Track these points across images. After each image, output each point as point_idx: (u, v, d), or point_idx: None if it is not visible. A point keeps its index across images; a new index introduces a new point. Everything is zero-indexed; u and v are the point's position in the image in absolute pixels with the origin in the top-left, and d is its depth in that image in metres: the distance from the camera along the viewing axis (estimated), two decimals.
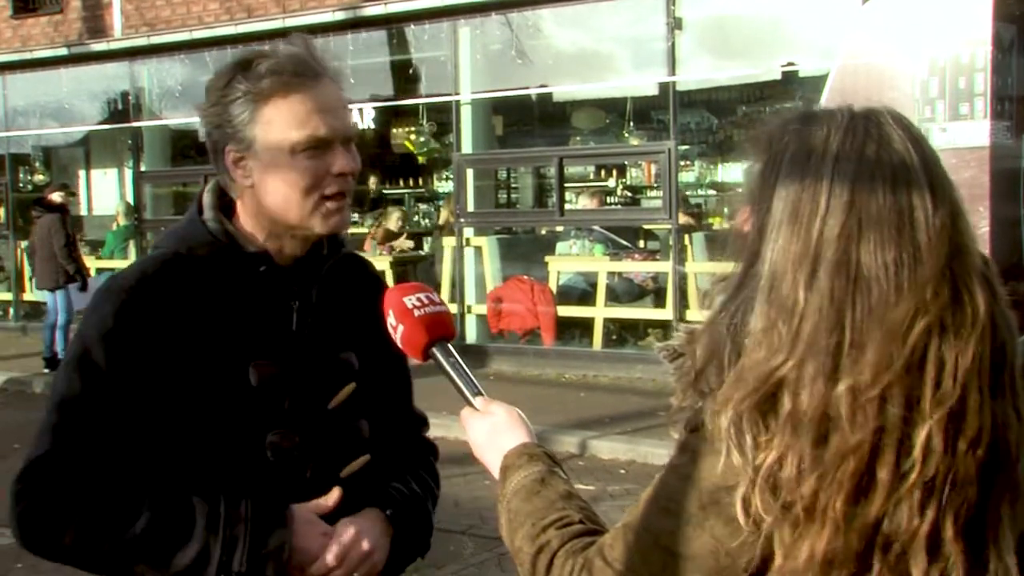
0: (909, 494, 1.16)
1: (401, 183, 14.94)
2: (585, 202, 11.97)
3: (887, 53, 8.09)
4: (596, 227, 11.36)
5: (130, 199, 14.26)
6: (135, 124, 13.62)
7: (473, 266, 11.30)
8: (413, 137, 13.76)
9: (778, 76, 10.39)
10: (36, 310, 13.62)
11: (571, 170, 12.68)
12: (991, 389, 1.19)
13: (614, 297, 10.86)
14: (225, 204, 1.80)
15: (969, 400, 1.17)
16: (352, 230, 13.00)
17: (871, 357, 1.15)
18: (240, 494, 1.68)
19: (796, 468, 1.16)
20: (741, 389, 1.19)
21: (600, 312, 10.70)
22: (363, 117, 12.27)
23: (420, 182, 15.00)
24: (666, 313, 10.16)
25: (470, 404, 1.59)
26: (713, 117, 13.14)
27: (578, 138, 13.03)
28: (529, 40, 10.91)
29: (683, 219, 10.22)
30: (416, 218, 14.51)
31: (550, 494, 1.43)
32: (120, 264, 12.96)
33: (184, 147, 13.74)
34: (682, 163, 12.20)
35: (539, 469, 1.47)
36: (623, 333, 10.96)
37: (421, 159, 14.12)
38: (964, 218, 1.22)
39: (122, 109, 13.87)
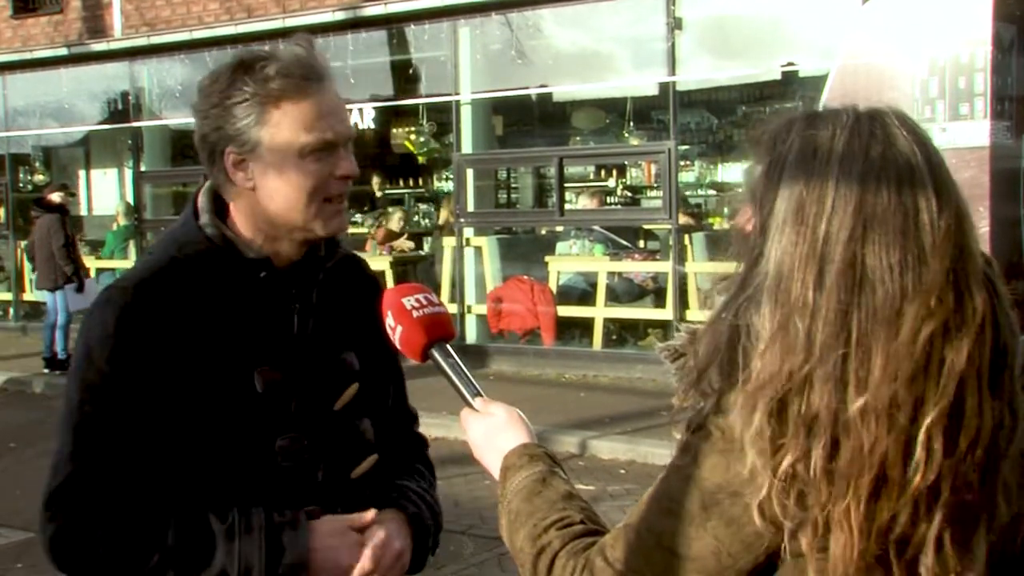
0: (915, 497, 1.16)
1: (401, 183, 14.94)
2: (585, 202, 11.97)
3: (887, 53, 8.09)
4: (596, 227, 11.36)
5: (130, 199, 14.26)
6: (135, 124, 13.63)
7: (473, 266, 11.30)
8: (413, 137, 13.76)
9: (778, 76, 10.39)
10: (36, 310, 13.62)
11: (571, 170, 12.68)
12: (991, 390, 1.18)
13: (614, 297, 10.86)
14: (219, 207, 1.79)
15: (968, 401, 1.17)
16: (352, 230, 13.01)
17: (879, 364, 1.15)
18: (255, 505, 1.69)
19: (812, 472, 1.16)
20: (761, 392, 1.18)
21: (600, 312, 10.70)
22: (363, 117, 12.27)
23: (420, 182, 15.00)
24: (666, 313, 10.15)
25: (469, 405, 1.59)
26: (713, 117, 13.13)
27: (578, 138, 13.03)
28: (529, 40, 10.91)
29: (683, 219, 10.22)
30: (416, 218, 14.50)
31: (551, 494, 1.43)
32: (120, 264, 12.97)
33: (184, 147, 13.72)
34: (682, 163, 12.20)
35: (540, 469, 1.46)
36: (623, 333, 10.96)
37: (421, 159, 14.12)
38: (969, 219, 1.22)
39: (122, 109, 13.88)
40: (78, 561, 1.67)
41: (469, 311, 11.21)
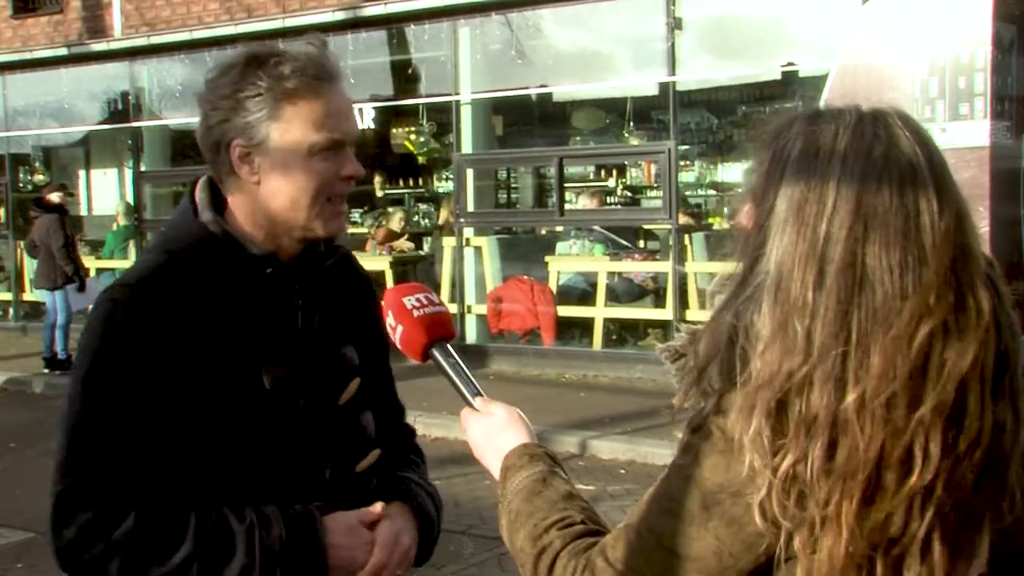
0: (909, 498, 1.16)
1: (401, 183, 14.94)
2: (585, 202, 11.97)
3: (887, 53, 8.09)
4: (596, 227, 11.36)
5: (130, 199, 14.26)
6: (135, 124, 13.62)
7: (473, 266, 11.29)
8: (413, 137, 13.76)
9: (778, 76, 10.40)
10: (36, 310, 13.62)
11: (571, 170, 12.68)
12: (993, 391, 1.18)
13: (614, 297, 10.86)
14: (215, 203, 1.78)
15: (969, 404, 1.16)
16: (352, 230, 13.01)
17: (877, 363, 1.15)
18: (266, 503, 1.68)
19: (810, 472, 1.16)
20: (760, 392, 1.18)
21: (600, 312, 10.70)
22: (363, 117, 12.27)
23: (420, 182, 15.00)
24: (666, 313, 10.15)
25: (469, 405, 1.59)
26: (713, 117, 13.13)
27: (578, 138, 13.03)
28: (529, 40, 10.91)
29: (683, 219, 10.22)
30: (416, 218, 14.50)
31: (551, 494, 1.42)
32: (120, 264, 12.97)
33: (184, 147, 13.72)
34: (682, 163, 12.20)
35: (540, 469, 1.46)
36: (623, 333, 10.96)
37: (421, 159, 14.12)
38: (970, 220, 1.22)
39: (122, 109, 13.88)
40: (94, 569, 1.62)
41: (469, 311, 11.21)
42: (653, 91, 11.03)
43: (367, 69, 11.74)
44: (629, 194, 13.89)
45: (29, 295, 14.05)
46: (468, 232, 11.35)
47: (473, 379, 1.61)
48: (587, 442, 7.76)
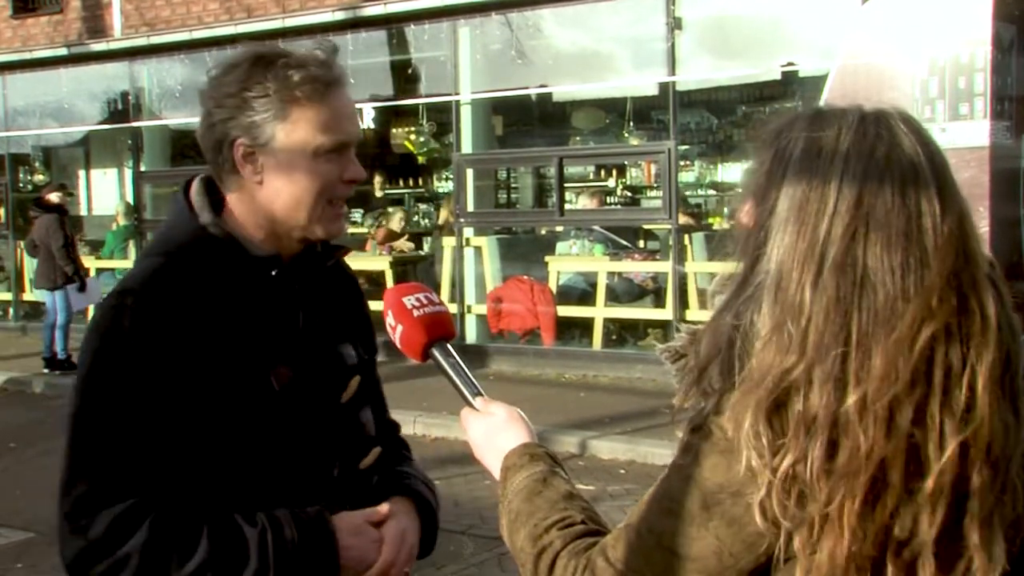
0: (922, 500, 1.16)
1: (401, 183, 14.94)
2: (585, 202, 11.97)
3: (887, 53, 8.09)
4: (596, 227, 11.36)
5: (130, 199, 14.26)
6: (135, 124, 13.62)
7: (473, 266, 11.29)
8: (413, 137, 13.76)
9: (778, 76, 10.40)
10: (36, 310, 13.62)
11: (571, 170, 12.67)
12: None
13: (614, 297, 10.86)
14: (212, 203, 1.77)
15: (982, 407, 1.16)
16: (352, 230, 13.01)
17: (878, 365, 1.15)
18: (276, 505, 1.68)
19: (810, 472, 1.16)
20: (756, 392, 1.18)
21: (600, 312, 10.70)
22: (363, 117, 12.27)
23: (420, 182, 15.00)
24: (666, 313, 10.16)
25: (470, 404, 1.58)
26: (713, 117, 13.13)
27: (578, 138, 13.03)
28: (529, 40, 10.91)
29: (683, 219, 10.22)
30: (416, 218, 14.51)
31: (552, 494, 1.42)
32: (120, 264, 12.97)
33: (184, 147, 13.73)
34: (682, 163, 12.20)
35: (540, 469, 1.46)
36: (623, 333, 10.96)
37: (421, 159, 14.12)
38: (971, 222, 1.22)
39: (122, 109, 13.87)
40: None
41: (469, 311, 11.21)
42: (653, 91, 11.03)
43: (367, 69, 11.74)
44: (629, 194, 13.89)
45: (29, 295, 14.05)
46: (468, 232, 11.35)
47: (473, 379, 1.61)
48: (587, 442, 7.76)
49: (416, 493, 1.90)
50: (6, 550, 5.98)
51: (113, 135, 14.72)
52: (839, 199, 1.19)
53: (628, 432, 7.88)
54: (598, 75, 11.28)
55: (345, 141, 1.72)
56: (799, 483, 1.17)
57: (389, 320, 1.64)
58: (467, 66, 11.19)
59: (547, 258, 11.26)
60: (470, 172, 11.25)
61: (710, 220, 11.73)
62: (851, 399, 1.15)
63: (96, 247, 14.23)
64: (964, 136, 7.82)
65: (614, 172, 13.81)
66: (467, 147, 11.34)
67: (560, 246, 11.53)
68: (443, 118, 12.48)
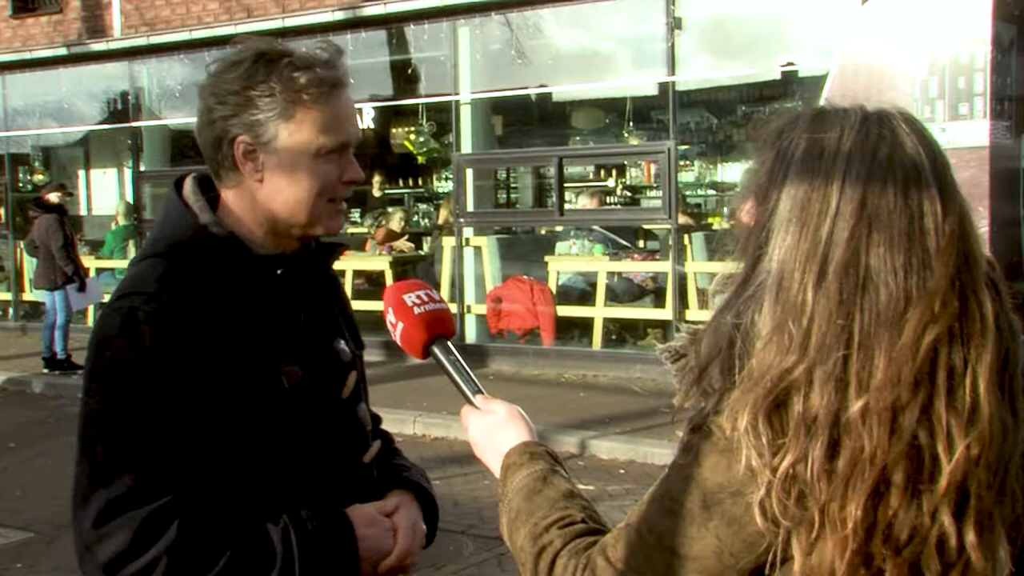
0: (928, 501, 1.16)
1: (401, 183, 14.94)
2: (585, 202, 11.96)
3: (887, 53, 8.10)
4: (596, 227, 11.36)
5: (130, 199, 14.27)
6: (135, 124, 13.62)
7: (473, 266, 11.29)
8: (413, 137, 13.76)
9: (778, 76, 10.40)
10: (36, 310, 13.62)
11: (571, 170, 12.68)
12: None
13: (614, 297, 10.86)
14: (209, 200, 1.76)
15: (985, 408, 1.17)
16: (352, 230, 13.02)
17: (881, 368, 1.15)
18: (290, 502, 1.69)
19: (811, 472, 1.16)
20: (754, 391, 1.18)
21: (600, 312, 10.70)
22: (363, 117, 12.28)
23: (420, 182, 15.00)
24: (666, 313, 10.16)
25: (470, 402, 1.58)
26: (713, 117, 13.14)
27: (578, 138, 13.03)
28: (529, 40, 10.91)
29: (683, 219, 10.22)
30: (416, 218, 14.51)
31: (552, 493, 1.42)
32: (120, 264, 12.97)
33: (184, 147, 13.72)
34: (682, 163, 12.20)
35: (541, 468, 1.46)
36: (623, 333, 10.96)
37: (421, 159, 14.12)
38: (972, 222, 1.22)
39: (122, 109, 13.88)
40: None
41: (469, 311, 11.21)
42: (653, 91, 11.04)
43: (367, 69, 11.75)
44: (629, 194, 13.89)
45: (29, 295, 14.05)
46: (468, 232, 11.35)
47: (474, 377, 1.61)
48: (586, 442, 7.76)
49: (416, 485, 1.94)
50: (6, 550, 5.97)
51: (113, 135, 14.72)
52: (842, 200, 1.19)
53: (628, 432, 7.88)
54: (598, 75, 11.28)
55: (346, 142, 1.73)
56: (799, 483, 1.17)
57: (390, 317, 1.64)
58: (467, 66, 11.19)
59: (547, 258, 11.26)
60: (470, 172, 11.25)
61: (710, 220, 11.73)
62: (853, 400, 1.15)
63: (96, 247, 14.23)
64: (964, 136, 7.82)
65: (614, 172, 13.81)
66: (467, 147, 11.34)
67: (560, 246, 11.53)
68: (443, 118, 12.48)
